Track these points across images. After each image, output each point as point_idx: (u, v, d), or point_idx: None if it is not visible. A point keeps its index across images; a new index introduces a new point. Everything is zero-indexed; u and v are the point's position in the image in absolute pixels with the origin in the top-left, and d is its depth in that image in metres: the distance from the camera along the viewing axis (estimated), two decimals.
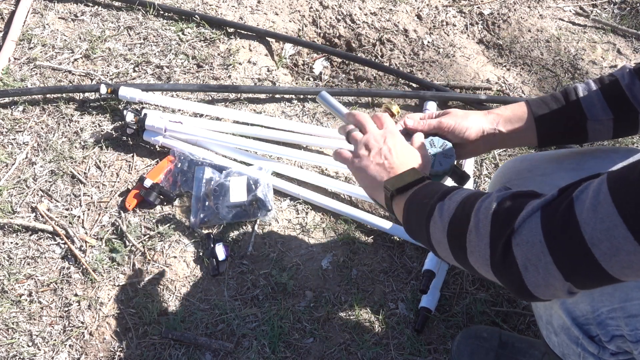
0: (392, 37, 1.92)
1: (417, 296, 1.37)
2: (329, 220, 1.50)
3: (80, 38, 1.86)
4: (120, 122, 1.66)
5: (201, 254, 1.44)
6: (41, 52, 1.83)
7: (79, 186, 1.55)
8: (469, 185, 1.50)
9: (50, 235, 1.47)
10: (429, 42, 1.92)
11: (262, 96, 1.75)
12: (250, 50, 1.86)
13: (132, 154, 1.61)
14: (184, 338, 1.30)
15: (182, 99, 1.71)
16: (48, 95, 1.72)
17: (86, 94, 1.71)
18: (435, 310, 1.34)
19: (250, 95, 1.74)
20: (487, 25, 1.99)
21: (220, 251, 1.40)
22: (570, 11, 2.07)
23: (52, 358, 1.30)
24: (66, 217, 1.50)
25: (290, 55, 1.89)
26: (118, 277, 1.41)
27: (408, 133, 1.06)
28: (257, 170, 1.52)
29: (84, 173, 1.58)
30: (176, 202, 1.52)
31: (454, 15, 2.02)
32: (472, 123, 1.02)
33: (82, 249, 1.45)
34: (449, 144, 1.03)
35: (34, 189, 1.55)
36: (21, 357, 1.30)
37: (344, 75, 1.86)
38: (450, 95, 1.73)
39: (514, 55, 1.91)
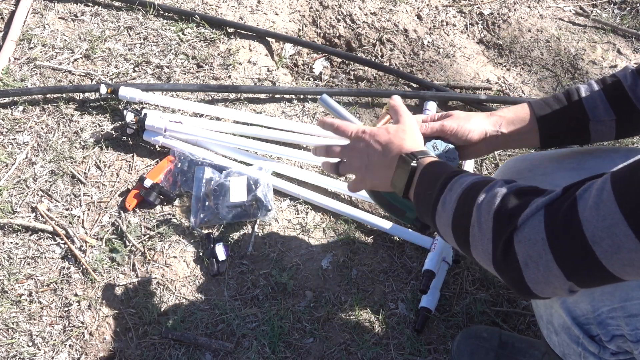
0: (392, 37, 1.92)
1: (417, 296, 1.37)
2: (329, 220, 1.50)
3: (80, 38, 1.86)
4: (120, 122, 1.66)
5: (201, 254, 1.44)
6: (41, 52, 1.83)
7: (79, 186, 1.55)
8: None
9: (50, 235, 1.47)
10: (429, 42, 1.92)
11: (262, 96, 1.74)
12: (250, 50, 1.86)
13: (132, 154, 1.61)
14: (184, 338, 1.30)
15: (182, 99, 1.71)
16: (48, 95, 1.72)
17: (86, 94, 1.71)
18: (435, 310, 1.34)
19: (250, 95, 1.74)
20: (487, 25, 1.99)
21: (220, 251, 1.40)
22: (570, 11, 2.07)
23: (52, 358, 1.30)
24: (66, 217, 1.50)
25: (290, 55, 1.89)
26: (118, 277, 1.41)
27: None
28: (257, 170, 1.52)
29: (84, 173, 1.58)
30: (176, 202, 1.52)
31: (454, 15, 2.02)
32: (474, 125, 1.02)
33: (82, 249, 1.45)
34: (452, 147, 1.03)
35: (34, 189, 1.55)
36: (21, 357, 1.30)
37: (344, 75, 1.86)
38: (450, 95, 1.73)
39: (514, 55, 1.91)
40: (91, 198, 1.53)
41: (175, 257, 1.44)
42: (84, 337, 1.33)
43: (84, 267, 1.41)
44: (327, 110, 1.19)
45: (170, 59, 1.81)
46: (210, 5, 1.97)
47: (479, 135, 1.02)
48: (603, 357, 0.89)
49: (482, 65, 1.88)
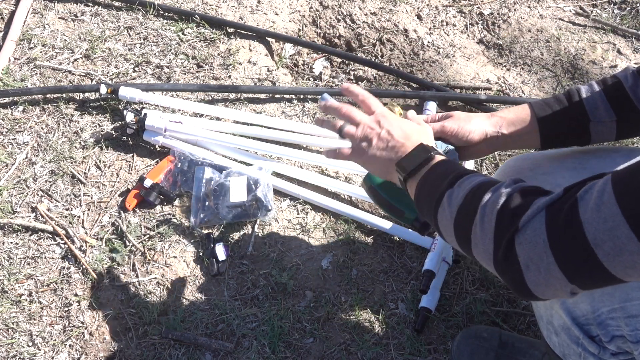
0: (392, 37, 1.92)
1: (417, 296, 1.37)
2: (329, 220, 1.50)
3: (80, 38, 1.86)
4: (120, 122, 1.66)
5: (201, 254, 1.44)
6: (41, 52, 1.83)
7: (79, 186, 1.55)
8: None
9: (50, 235, 1.47)
10: (429, 42, 1.92)
11: (262, 96, 1.74)
12: (250, 50, 1.86)
13: (132, 154, 1.61)
14: (184, 338, 1.30)
15: (182, 99, 1.71)
16: (48, 95, 1.72)
17: (86, 94, 1.71)
18: (435, 310, 1.34)
19: (250, 95, 1.74)
20: (487, 25, 1.99)
21: (220, 251, 1.40)
22: (570, 11, 2.07)
23: (52, 358, 1.30)
24: (66, 217, 1.50)
25: (290, 55, 1.89)
26: (118, 277, 1.41)
27: None
28: (257, 170, 1.52)
29: (84, 173, 1.58)
30: (176, 202, 1.52)
31: (454, 15, 2.02)
32: (475, 126, 1.02)
33: (82, 249, 1.45)
34: (452, 148, 1.03)
35: (34, 189, 1.55)
36: (21, 357, 1.30)
37: (344, 75, 1.86)
38: (450, 95, 1.73)
39: (514, 55, 1.91)
40: (91, 198, 1.53)
41: (175, 257, 1.44)
42: (84, 337, 1.33)
43: (84, 267, 1.41)
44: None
45: (170, 59, 1.81)
46: (210, 5, 1.97)
47: (480, 136, 1.02)
48: (603, 358, 0.89)
49: (482, 65, 1.88)
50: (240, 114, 1.66)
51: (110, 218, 1.50)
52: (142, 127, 1.57)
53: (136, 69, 1.80)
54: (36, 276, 1.41)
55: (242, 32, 1.89)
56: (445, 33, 1.96)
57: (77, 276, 1.41)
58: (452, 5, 2.05)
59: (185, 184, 1.53)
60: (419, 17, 2.00)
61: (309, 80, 1.84)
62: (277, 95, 1.74)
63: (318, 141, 1.61)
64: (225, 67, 1.81)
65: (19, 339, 1.32)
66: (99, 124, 1.67)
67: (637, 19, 2.05)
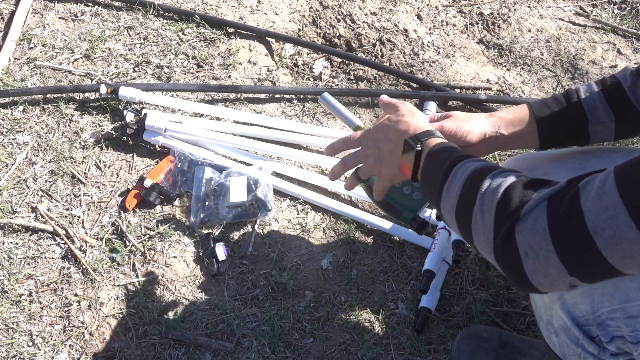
0: (392, 37, 1.92)
1: (417, 296, 1.37)
2: (329, 220, 1.50)
3: (80, 38, 1.86)
4: (120, 122, 1.66)
5: (201, 254, 1.44)
6: (41, 52, 1.83)
7: (79, 186, 1.55)
8: None
9: (50, 235, 1.47)
10: (429, 42, 1.92)
11: (262, 96, 1.74)
12: (250, 50, 1.86)
13: (132, 154, 1.61)
14: (184, 338, 1.30)
15: (182, 99, 1.71)
16: (48, 95, 1.72)
17: (86, 94, 1.71)
18: (435, 310, 1.34)
19: (250, 95, 1.74)
20: (487, 25, 1.99)
21: (220, 251, 1.40)
22: (570, 11, 2.07)
23: (52, 358, 1.30)
24: (66, 217, 1.50)
25: (290, 55, 1.89)
26: (118, 277, 1.41)
27: None
28: (257, 170, 1.52)
29: (84, 173, 1.58)
30: (176, 202, 1.52)
31: (454, 15, 2.02)
32: (474, 126, 1.02)
33: (82, 249, 1.45)
34: None
35: (34, 189, 1.55)
36: (21, 357, 1.30)
37: (344, 75, 1.86)
38: (450, 95, 1.73)
39: (514, 55, 1.91)
40: (91, 198, 1.53)
41: (175, 257, 1.44)
42: (84, 337, 1.33)
43: (84, 267, 1.41)
44: (328, 108, 1.19)
45: (170, 59, 1.81)
46: (210, 5, 1.97)
47: (478, 136, 1.02)
48: (603, 358, 0.89)
49: (482, 65, 1.88)
50: (240, 114, 1.66)
51: (110, 218, 1.50)
52: (142, 127, 1.57)
53: (136, 69, 1.80)
54: (36, 276, 1.41)
55: (242, 32, 1.89)
56: (445, 33, 1.96)
57: (77, 276, 1.41)
58: (452, 5, 2.05)
59: (185, 184, 1.53)
60: (419, 17, 2.00)
61: (309, 80, 1.84)
62: (277, 95, 1.74)
63: (318, 141, 1.61)
64: (225, 67, 1.81)
65: (19, 339, 1.32)
66: (99, 124, 1.67)
67: (637, 19, 2.05)
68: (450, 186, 0.78)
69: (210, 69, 1.80)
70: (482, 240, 0.73)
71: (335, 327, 1.34)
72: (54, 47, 1.84)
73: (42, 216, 1.49)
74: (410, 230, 1.44)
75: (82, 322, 1.34)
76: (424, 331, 1.32)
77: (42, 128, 1.67)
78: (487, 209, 0.71)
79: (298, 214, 1.51)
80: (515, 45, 1.93)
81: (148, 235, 1.46)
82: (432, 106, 1.70)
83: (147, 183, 1.49)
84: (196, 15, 1.88)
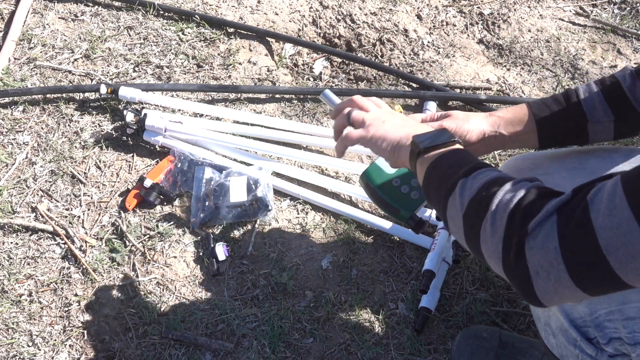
0: (392, 37, 1.92)
1: (417, 296, 1.37)
2: (329, 220, 1.50)
3: (80, 38, 1.86)
4: (120, 122, 1.66)
5: (201, 254, 1.44)
6: (41, 52, 1.83)
7: (79, 186, 1.55)
8: None
9: (50, 235, 1.47)
10: (429, 42, 1.92)
11: (262, 96, 1.75)
12: (250, 50, 1.86)
13: (132, 154, 1.61)
14: (184, 338, 1.30)
15: (182, 99, 1.71)
16: (48, 95, 1.72)
17: (86, 94, 1.71)
18: (435, 310, 1.34)
19: (250, 95, 1.74)
20: (487, 25, 1.99)
21: (220, 251, 1.40)
22: (570, 11, 2.07)
23: (52, 358, 1.30)
24: (66, 217, 1.50)
25: (290, 55, 1.89)
26: (118, 277, 1.41)
27: None
28: (257, 170, 1.52)
29: (84, 173, 1.58)
30: (176, 202, 1.52)
31: (454, 15, 2.02)
32: (473, 126, 1.02)
33: (82, 249, 1.45)
34: None
35: (34, 189, 1.55)
36: (21, 357, 1.30)
37: (344, 75, 1.86)
38: (450, 95, 1.73)
39: (514, 55, 1.91)
40: (91, 198, 1.53)
41: (175, 257, 1.44)
42: (84, 337, 1.33)
43: (84, 267, 1.41)
44: (329, 105, 1.19)
45: (170, 59, 1.81)
46: (210, 5, 1.97)
47: (478, 136, 1.02)
48: None
49: (482, 65, 1.88)
50: (240, 114, 1.66)
51: (110, 218, 1.50)
52: (142, 127, 1.57)
53: (136, 69, 1.80)
54: (36, 276, 1.41)
55: (242, 32, 1.89)
56: (445, 33, 1.96)
57: (77, 276, 1.41)
58: (452, 5, 2.05)
59: (185, 184, 1.53)
60: (419, 17, 2.00)
61: (309, 80, 1.84)
62: (277, 95, 1.74)
63: (318, 141, 1.61)
64: (225, 67, 1.81)
65: (19, 339, 1.32)
66: (99, 124, 1.67)
67: (637, 19, 2.05)
68: (466, 184, 0.75)
69: (210, 69, 1.80)
70: (490, 249, 0.71)
71: (335, 327, 1.34)
72: (54, 47, 1.84)
73: (42, 216, 1.49)
74: (410, 230, 1.44)
75: (82, 322, 1.34)
76: (424, 331, 1.32)
77: (42, 128, 1.67)
78: (498, 217, 0.69)
79: (298, 214, 1.51)
80: (515, 45, 1.93)
81: (148, 235, 1.46)
82: (432, 106, 1.70)
83: (147, 183, 1.49)
84: (196, 15, 1.88)
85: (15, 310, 1.36)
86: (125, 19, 1.91)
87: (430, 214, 1.45)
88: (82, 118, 1.68)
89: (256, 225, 1.48)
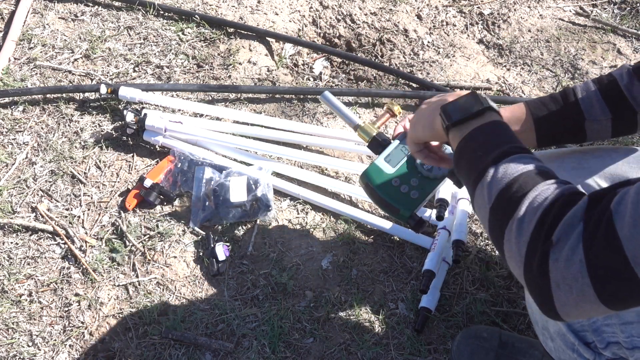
0: (392, 37, 1.92)
1: (417, 296, 1.37)
2: (329, 220, 1.50)
3: (80, 38, 1.86)
4: (120, 122, 1.66)
5: (201, 254, 1.44)
6: (41, 52, 1.83)
7: (79, 186, 1.55)
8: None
9: (50, 235, 1.47)
10: (429, 42, 1.92)
11: (262, 96, 1.75)
12: (250, 50, 1.86)
13: (132, 154, 1.61)
14: (184, 338, 1.30)
15: (182, 99, 1.71)
16: (48, 95, 1.72)
17: (86, 94, 1.71)
18: (435, 310, 1.34)
19: (250, 95, 1.74)
20: (487, 25, 1.99)
21: (220, 251, 1.40)
22: (570, 11, 2.07)
23: (52, 358, 1.30)
24: (66, 217, 1.50)
25: (290, 55, 1.89)
26: (118, 277, 1.41)
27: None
28: (257, 170, 1.52)
29: (84, 173, 1.58)
30: (176, 202, 1.52)
31: (454, 15, 2.02)
32: None
33: (82, 249, 1.45)
34: (448, 148, 1.04)
35: (34, 189, 1.55)
36: (21, 357, 1.30)
37: (344, 75, 1.86)
38: None
39: (514, 55, 1.91)
40: (91, 198, 1.53)
41: (175, 257, 1.44)
42: (84, 337, 1.33)
43: (84, 267, 1.41)
44: (329, 107, 1.20)
45: (170, 59, 1.81)
46: (210, 5, 1.97)
47: None
48: None
49: (482, 65, 1.88)
50: (240, 114, 1.66)
51: (110, 218, 1.50)
52: (142, 127, 1.57)
53: (136, 69, 1.80)
54: (36, 276, 1.41)
55: (242, 32, 1.89)
56: (445, 33, 1.96)
57: (77, 276, 1.41)
58: (452, 5, 2.05)
59: (185, 184, 1.53)
60: (419, 17, 2.00)
61: (309, 80, 1.84)
62: (277, 95, 1.74)
63: (318, 141, 1.61)
64: (225, 67, 1.81)
65: (19, 339, 1.32)
66: (99, 124, 1.67)
67: (637, 19, 2.05)
68: (496, 174, 0.71)
69: (210, 69, 1.80)
70: (513, 250, 0.68)
71: (335, 327, 1.34)
72: (54, 47, 1.84)
73: (42, 216, 1.49)
74: (410, 230, 1.44)
75: (82, 322, 1.34)
76: (424, 331, 1.32)
77: (42, 128, 1.67)
78: (527, 220, 0.66)
79: (298, 214, 1.51)
80: (515, 45, 1.93)
81: (148, 235, 1.46)
82: None
83: (147, 183, 1.49)
84: (196, 15, 1.88)
85: (15, 310, 1.36)
86: (125, 19, 1.91)
87: (430, 214, 1.45)
88: (82, 118, 1.68)
89: (256, 225, 1.48)
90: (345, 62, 1.88)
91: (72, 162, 1.59)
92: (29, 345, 1.32)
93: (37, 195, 1.54)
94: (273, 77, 1.79)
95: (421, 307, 1.32)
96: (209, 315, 1.35)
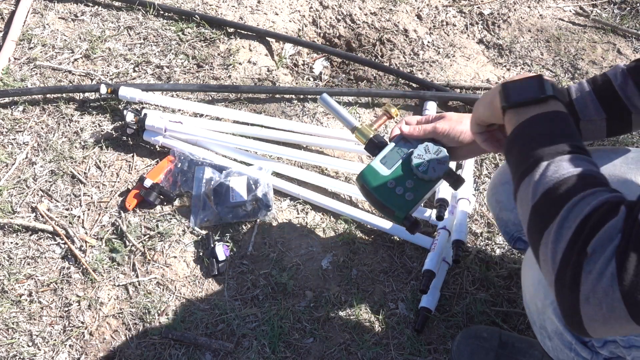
0: (392, 37, 1.92)
1: (417, 296, 1.37)
2: (329, 220, 1.50)
3: (80, 38, 1.86)
4: (120, 122, 1.66)
5: (201, 254, 1.44)
6: (41, 52, 1.83)
7: (79, 186, 1.55)
8: (467, 188, 1.50)
9: (50, 235, 1.47)
10: (429, 42, 1.92)
11: (262, 96, 1.75)
12: (250, 50, 1.86)
13: (132, 154, 1.61)
14: (184, 338, 1.30)
15: (182, 99, 1.71)
16: (48, 95, 1.72)
17: (86, 94, 1.71)
18: (435, 310, 1.34)
19: (250, 95, 1.74)
20: (487, 25, 1.99)
21: (220, 251, 1.40)
22: (570, 11, 2.07)
23: (52, 358, 1.30)
24: (66, 217, 1.50)
25: (290, 55, 1.89)
26: (118, 277, 1.41)
27: (405, 138, 1.08)
28: (257, 170, 1.52)
29: (84, 173, 1.58)
30: (176, 202, 1.52)
31: (454, 15, 2.02)
32: (466, 127, 1.03)
33: (82, 249, 1.45)
34: (443, 150, 1.05)
35: (34, 189, 1.55)
36: (21, 357, 1.30)
37: (344, 75, 1.86)
38: (450, 95, 1.73)
39: (514, 55, 1.91)
40: (91, 198, 1.53)
41: (175, 257, 1.44)
42: (84, 337, 1.33)
43: (84, 267, 1.41)
44: (327, 109, 1.20)
45: (170, 59, 1.81)
46: (210, 5, 1.97)
47: (471, 137, 1.03)
48: None
49: (482, 65, 1.88)
50: (240, 114, 1.66)
51: (110, 218, 1.50)
52: (142, 127, 1.57)
53: (136, 69, 1.80)
54: (36, 276, 1.41)
55: (242, 32, 1.89)
56: (445, 33, 1.96)
57: (77, 276, 1.41)
58: (452, 5, 2.05)
59: (185, 184, 1.53)
60: (419, 17, 2.00)
61: (309, 80, 1.84)
62: (277, 95, 1.74)
63: (318, 141, 1.61)
64: (225, 67, 1.81)
65: (19, 339, 1.32)
66: (99, 124, 1.67)
67: (637, 19, 2.05)
68: (546, 171, 0.69)
69: (210, 69, 1.80)
70: (548, 254, 0.65)
71: (335, 327, 1.34)
72: (54, 47, 1.84)
73: (42, 216, 1.49)
74: None
75: (82, 322, 1.34)
76: (424, 331, 1.32)
77: (42, 128, 1.67)
78: (566, 226, 0.64)
79: (298, 214, 1.51)
80: (515, 45, 1.93)
81: (148, 235, 1.46)
82: (432, 106, 1.70)
83: (147, 183, 1.49)
84: (196, 15, 1.88)
85: (15, 310, 1.36)
86: (125, 19, 1.91)
87: (430, 214, 1.45)
88: (82, 118, 1.68)
89: (256, 225, 1.48)
90: (345, 62, 1.88)
91: (72, 162, 1.59)
92: (29, 345, 1.32)
93: (37, 195, 1.54)
94: (273, 77, 1.79)
95: (421, 307, 1.32)
96: (209, 315, 1.35)
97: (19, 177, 1.57)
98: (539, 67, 1.88)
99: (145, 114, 1.56)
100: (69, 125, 1.67)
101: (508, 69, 1.88)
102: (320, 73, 1.86)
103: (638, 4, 2.09)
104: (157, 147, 1.61)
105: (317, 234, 1.48)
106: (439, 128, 1.04)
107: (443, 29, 1.97)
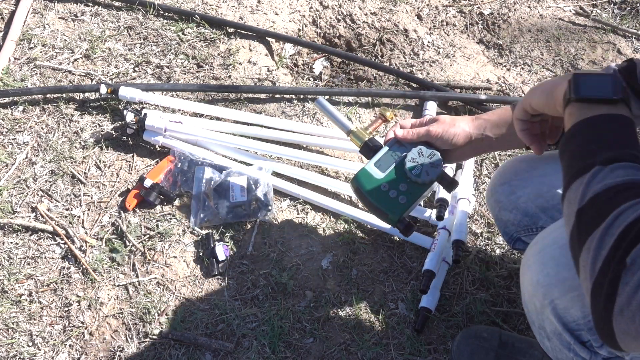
0: (392, 37, 1.92)
1: (417, 296, 1.37)
2: (329, 220, 1.50)
3: (80, 38, 1.86)
4: (120, 122, 1.66)
5: (201, 254, 1.44)
6: (41, 52, 1.83)
7: (79, 186, 1.55)
8: (467, 188, 1.50)
9: (50, 235, 1.47)
10: (429, 42, 1.92)
11: (262, 96, 1.75)
12: (250, 50, 1.86)
13: (132, 154, 1.61)
14: (184, 338, 1.30)
15: (182, 99, 1.71)
16: (48, 95, 1.72)
17: (86, 94, 1.71)
18: (435, 310, 1.34)
19: (250, 95, 1.74)
20: (487, 25, 1.99)
21: (220, 251, 1.40)
22: (570, 11, 2.07)
23: (52, 358, 1.30)
24: (66, 217, 1.50)
25: (290, 55, 1.89)
26: (118, 277, 1.41)
27: (399, 142, 1.09)
28: (257, 170, 1.52)
29: (84, 173, 1.58)
30: (176, 202, 1.52)
31: (454, 15, 2.02)
32: (459, 129, 1.04)
33: (82, 249, 1.45)
34: (437, 154, 1.06)
35: (34, 189, 1.55)
36: (21, 357, 1.30)
37: (344, 75, 1.86)
38: (450, 95, 1.73)
39: (514, 55, 1.91)
40: (91, 198, 1.53)
41: (175, 257, 1.44)
42: (84, 337, 1.33)
43: (84, 267, 1.41)
44: (322, 113, 1.22)
45: (170, 59, 1.81)
46: (210, 5, 1.97)
47: (464, 139, 1.03)
48: None
49: (482, 65, 1.88)
50: (240, 114, 1.66)
51: (110, 218, 1.50)
52: (142, 127, 1.57)
53: (136, 69, 1.80)
54: (36, 276, 1.41)
55: (242, 32, 1.89)
56: (445, 33, 1.96)
57: (77, 276, 1.41)
58: (452, 5, 2.05)
59: (185, 184, 1.53)
60: (419, 17, 2.00)
61: (309, 80, 1.84)
62: (277, 95, 1.74)
63: (318, 141, 1.61)
64: (225, 67, 1.81)
65: (19, 339, 1.33)
66: (99, 124, 1.67)
67: (637, 19, 2.05)
68: (597, 175, 0.67)
69: (210, 69, 1.80)
70: (589, 260, 0.64)
71: (335, 327, 1.34)
72: (54, 47, 1.84)
73: (42, 216, 1.49)
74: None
75: (82, 322, 1.35)
76: (424, 331, 1.32)
77: (42, 128, 1.67)
78: (610, 233, 0.62)
79: (298, 214, 1.51)
80: (515, 45, 1.93)
81: (148, 235, 1.46)
82: (432, 106, 1.70)
83: (147, 183, 1.49)
84: (196, 15, 1.88)
85: (15, 310, 1.36)
86: (125, 19, 1.91)
87: (430, 214, 1.45)
88: (82, 118, 1.68)
89: (256, 225, 1.48)
90: (345, 62, 1.88)
91: (72, 162, 1.59)
92: (29, 345, 1.32)
93: (37, 195, 1.54)
94: (273, 77, 1.79)
95: (421, 307, 1.32)
96: (209, 315, 1.35)
97: (19, 177, 1.57)
98: (539, 67, 1.88)
99: (145, 114, 1.57)
100: (69, 125, 1.67)
101: (508, 69, 1.88)
102: (320, 73, 1.86)
103: (638, 4, 2.09)
104: (157, 147, 1.61)
105: (317, 234, 1.48)
106: (432, 131, 1.05)
107: (443, 29, 1.97)
